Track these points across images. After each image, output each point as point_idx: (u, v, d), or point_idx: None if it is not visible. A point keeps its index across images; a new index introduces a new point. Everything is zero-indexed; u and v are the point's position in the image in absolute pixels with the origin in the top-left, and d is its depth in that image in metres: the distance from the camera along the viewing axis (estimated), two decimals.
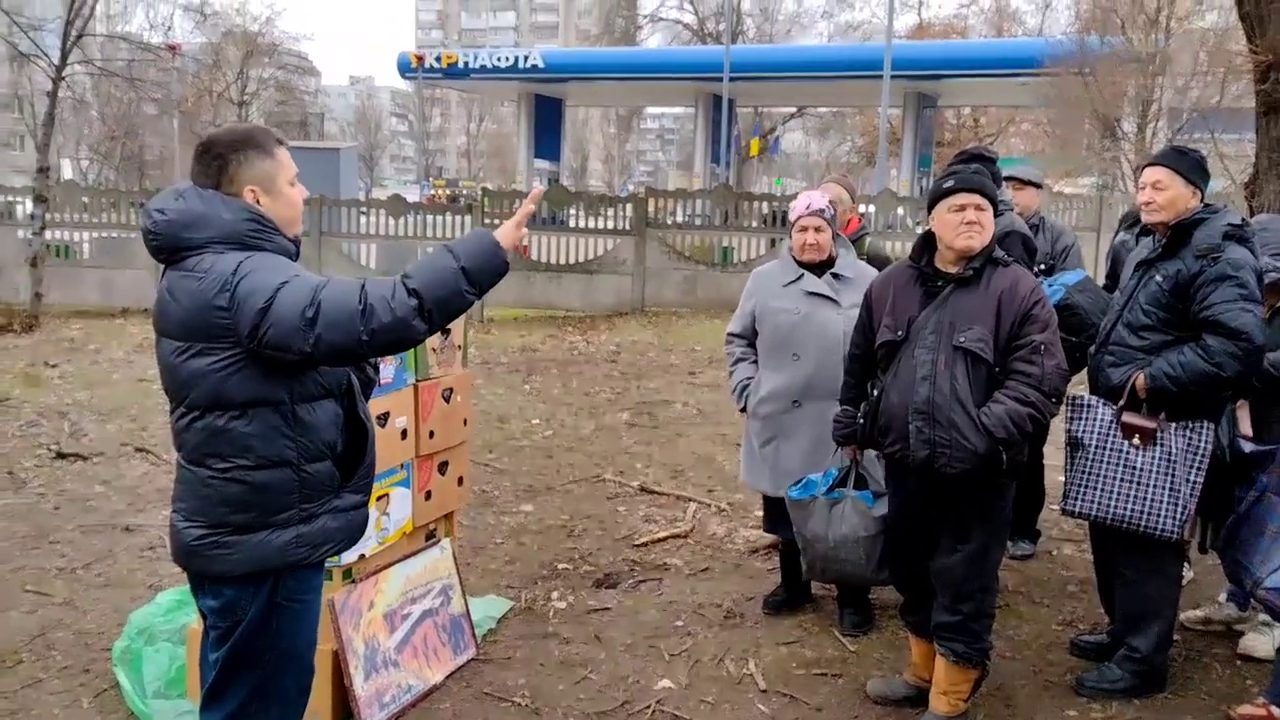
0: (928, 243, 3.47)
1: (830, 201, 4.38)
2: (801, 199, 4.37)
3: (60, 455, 6.87)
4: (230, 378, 2.37)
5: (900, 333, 3.40)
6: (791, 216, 4.35)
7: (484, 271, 2.35)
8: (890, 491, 3.68)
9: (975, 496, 3.37)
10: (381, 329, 2.26)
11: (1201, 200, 3.71)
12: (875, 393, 3.52)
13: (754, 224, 15.81)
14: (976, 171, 3.44)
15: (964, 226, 3.32)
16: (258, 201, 2.46)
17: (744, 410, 4.47)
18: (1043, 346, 3.26)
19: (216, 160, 2.46)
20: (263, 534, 2.44)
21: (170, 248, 2.42)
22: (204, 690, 2.61)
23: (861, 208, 15.33)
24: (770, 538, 5.10)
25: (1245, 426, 3.78)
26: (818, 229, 4.25)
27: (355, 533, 2.66)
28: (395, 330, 2.28)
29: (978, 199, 3.33)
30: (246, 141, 2.49)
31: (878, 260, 4.58)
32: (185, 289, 2.38)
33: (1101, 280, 5.04)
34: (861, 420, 3.59)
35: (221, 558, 2.45)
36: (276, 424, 2.41)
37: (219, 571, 2.47)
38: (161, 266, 2.49)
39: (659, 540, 5.51)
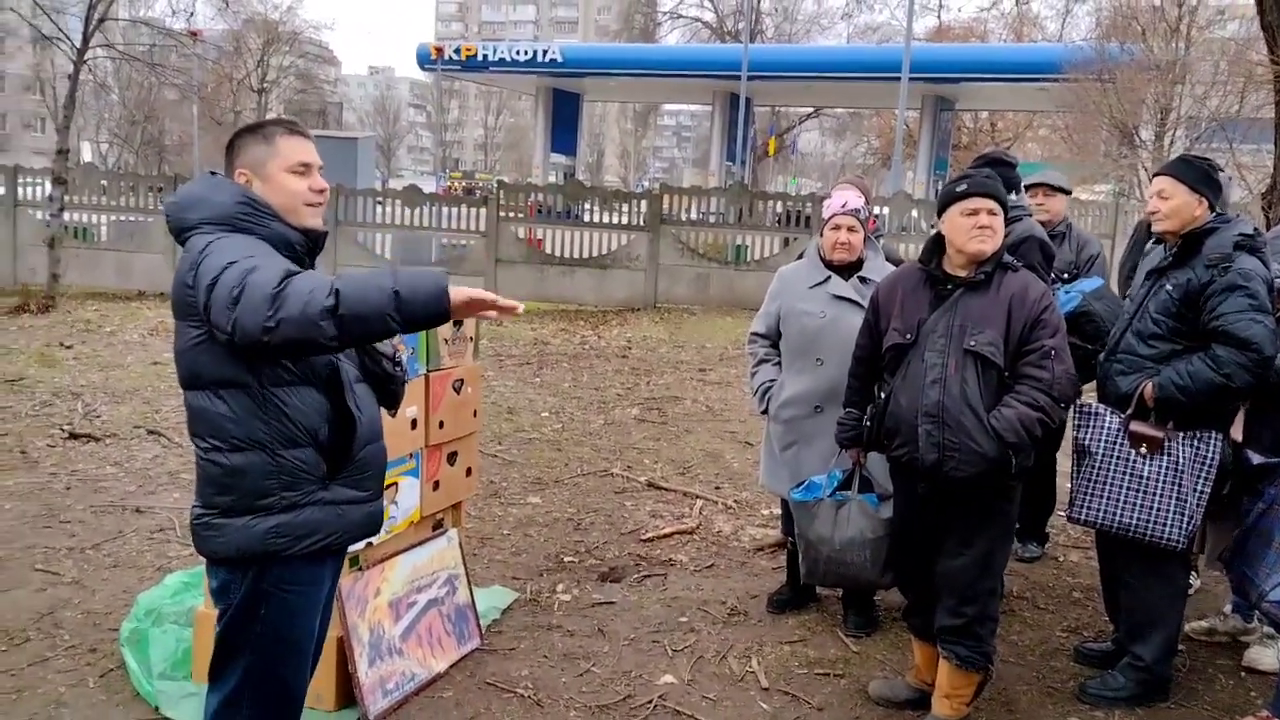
0: (937, 245, 3.46)
1: (866, 202, 4.33)
2: (837, 196, 4.30)
3: (73, 436, 6.91)
4: (200, 356, 2.39)
5: (909, 336, 3.39)
6: (825, 214, 4.29)
7: (418, 306, 2.20)
8: (895, 494, 3.67)
9: (982, 500, 3.36)
10: (286, 320, 2.16)
11: (1212, 210, 3.69)
12: (883, 396, 3.50)
13: (768, 223, 15.80)
14: (989, 176, 3.44)
15: (977, 230, 3.31)
16: (249, 184, 2.50)
17: (765, 412, 4.44)
18: (1053, 352, 3.26)
19: (229, 147, 2.56)
20: (245, 519, 2.43)
21: (176, 229, 2.49)
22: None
23: (876, 209, 15.35)
24: (776, 536, 5.11)
25: (1236, 433, 3.76)
26: (851, 229, 4.20)
27: (352, 530, 2.60)
28: (300, 325, 2.16)
29: (990, 203, 3.33)
30: (254, 128, 2.58)
31: (891, 263, 4.57)
32: (179, 267, 2.43)
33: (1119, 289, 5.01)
34: (868, 423, 3.57)
35: (210, 539, 2.47)
36: (248, 405, 2.40)
37: (208, 552, 2.49)
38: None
39: (665, 536, 5.52)
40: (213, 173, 2.57)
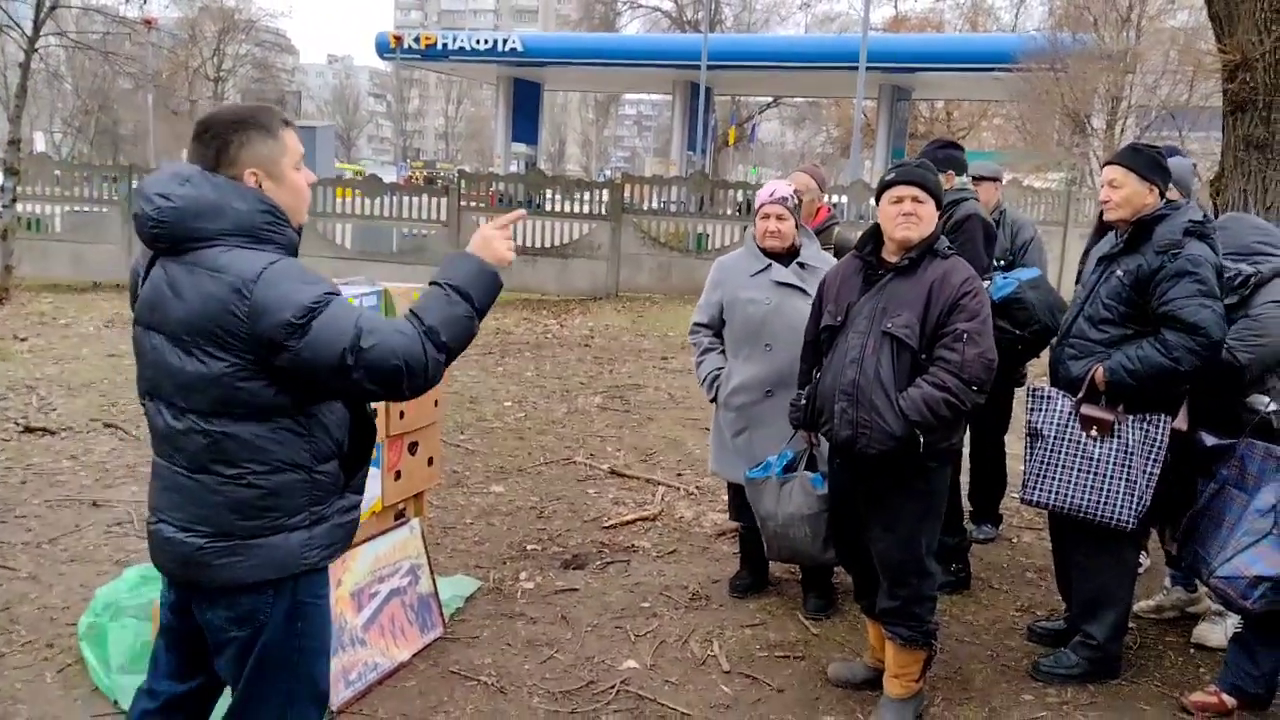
0: (875, 234, 3.57)
1: (796, 190, 4.42)
2: (766, 187, 4.41)
3: (28, 429, 6.82)
4: (245, 383, 2.21)
5: (839, 318, 3.51)
6: (755, 204, 4.40)
7: (490, 305, 2.44)
8: (829, 473, 3.76)
9: (900, 480, 3.43)
10: (420, 387, 2.31)
11: (1163, 197, 3.77)
12: (817, 376, 3.61)
13: (728, 211, 15.87)
14: (919, 165, 3.53)
15: (901, 218, 3.41)
16: (259, 186, 2.28)
17: (714, 400, 4.50)
18: (965, 335, 3.30)
19: (215, 140, 2.27)
20: (275, 538, 2.31)
21: (175, 238, 2.23)
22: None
23: (834, 198, 15.44)
24: (736, 523, 5.14)
25: (1180, 419, 3.80)
26: (779, 217, 4.28)
27: (353, 533, 2.54)
28: (426, 386, 2.33)
29: (914, 191, 3.41)
30: (248, 121, 2.30)
31: (844, 250, 4.60)
32: (194, 286, 2.19)
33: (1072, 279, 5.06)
34: (803, 402, 3.67)
35: (232, 565, 2.29)
36: (292, 427, 2.29)
37: (227, 580, 2.30)
38: (145, 251, 2.32)
39: (627, 523, 5.55)
40: (211, 170, 2.28)
